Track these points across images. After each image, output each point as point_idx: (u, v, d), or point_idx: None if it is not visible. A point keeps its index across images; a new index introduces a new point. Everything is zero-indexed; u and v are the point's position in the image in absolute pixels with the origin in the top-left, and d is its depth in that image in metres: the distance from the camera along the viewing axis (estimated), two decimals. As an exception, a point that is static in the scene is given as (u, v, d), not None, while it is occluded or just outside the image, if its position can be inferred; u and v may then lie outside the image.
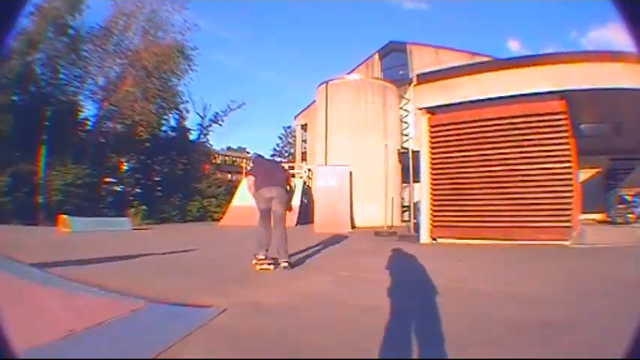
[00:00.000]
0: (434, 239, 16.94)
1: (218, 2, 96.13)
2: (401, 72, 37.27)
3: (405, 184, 31.50)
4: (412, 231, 19.73)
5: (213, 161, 56.16)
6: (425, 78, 17.88)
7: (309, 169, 37.02)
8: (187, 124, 48.27)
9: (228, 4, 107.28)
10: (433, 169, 17.08)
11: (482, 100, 16.27)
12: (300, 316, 5.77)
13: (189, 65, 44.24)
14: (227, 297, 6.75)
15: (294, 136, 57.28)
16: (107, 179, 38.37)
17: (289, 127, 71.05)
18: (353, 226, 26.31)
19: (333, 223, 24.51)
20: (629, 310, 3.16)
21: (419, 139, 17.71)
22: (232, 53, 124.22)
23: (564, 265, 10.96)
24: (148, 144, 41.25)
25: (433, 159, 17.11)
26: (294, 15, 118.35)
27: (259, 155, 15.84)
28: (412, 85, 17.93)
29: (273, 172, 10.83)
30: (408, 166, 29.11)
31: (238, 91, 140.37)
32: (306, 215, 30.81)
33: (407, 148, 32.43)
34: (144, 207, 35.90)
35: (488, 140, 16.00)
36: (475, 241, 15.78)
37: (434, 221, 16.93)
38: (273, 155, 74.15)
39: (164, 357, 4.03)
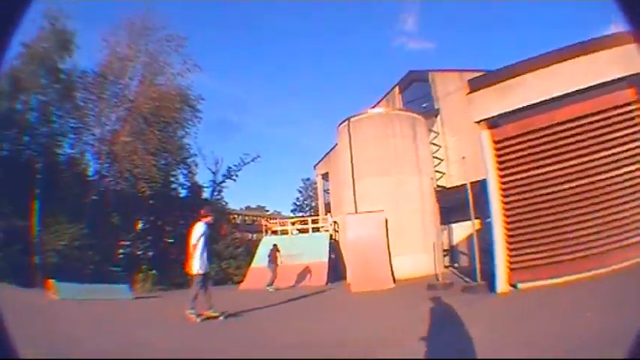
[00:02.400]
0: (513, 285, 13.26)
1: (227, 61, 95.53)
2: (424, 104, 34.25)
3: (444, 226, 28.27)
4: (479, 279, 15.76)
5: (233, 220, 53.58)
6: (479, 83, 14.76)
7: (335, 222, 34.35)
8: (198, 180, 45.55)
9: (236, 62, 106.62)
10: (505, 195, 13.65)
11: (550, 100, 12.85)
12: None
13: (194, 115, 41.60)
14: None
15: (315, 188, 54.21)
16: (109, 240, 34.23)
17: (308, 179, 68.82)
18: (394, 279, 22.63)
19: (370, 278, 21.56)
20: None
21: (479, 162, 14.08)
22: (244, 111, 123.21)
23: None
24: (152, 201, 38.06)
25: (504, 183, 13.71)
26: (298, 68, 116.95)
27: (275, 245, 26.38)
28: (466, 93, 15.14)
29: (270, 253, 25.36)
30: (447, 207, 26.09)
31: (252, 149, 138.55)
32: (335, 271, 28.23)
33: (442, 186, 29.31)
34: (153, 271, 32.35)
35: (567, 149, 12.82)
36: (565, 278, 12.16)
37: (512, 262, 13.27)
38: (293, 210, 72.96)
39: None
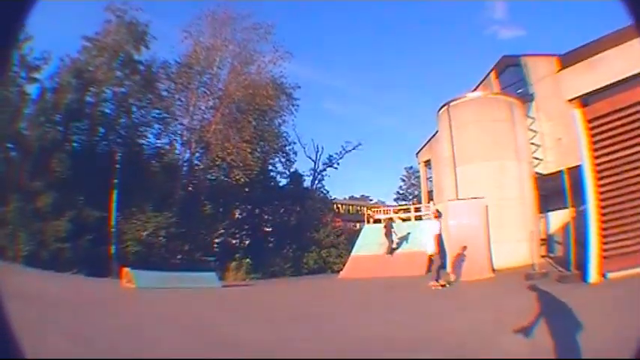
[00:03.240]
0: (603, 275, 12.58)
1: (322, 52, 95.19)
2: (519, 90, 33.06)
3: (541, 215, 27.26)
4: (573, 269, 15.14)
5: (337, 210, 53.58)
6: (568, 60, 14.23)
7: (437, 210, 32.81)
8: (298, 169, 45.84)
9: (332, 54, 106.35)
10: (600, 177, 12.99)
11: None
12: None
13: (291, 103, 42.23)
14: None
15: (418, 177, 53.59)
16: (200, 229, 34.22)
17: (411, 167, 67.46)
18: (493, 269, 22.02)
19: (470, 267, 20.78)
20: None
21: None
22: (342, 101, 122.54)
23: None
24: (247, 189, 38.19)
25: (599, 164, 13.03)
26: (394, 59, 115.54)
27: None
28: (556, 70, 14.79)
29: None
30: (544, 194, 25.24)
31: (353, 139, 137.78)
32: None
33: (539, 173, 28.23)
34: (247, 260, 32.29)
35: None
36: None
37: (604, 250, 12.65)
38: (396, 199, 71.25)
39: None
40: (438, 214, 19.98)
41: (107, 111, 31.98)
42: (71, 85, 28.86)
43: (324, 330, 10.09)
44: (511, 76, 34.59)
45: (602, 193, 12.81)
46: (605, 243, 12.57)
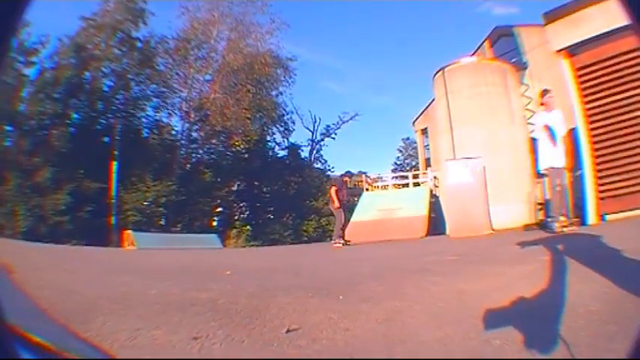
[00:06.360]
0: (602, 217, 13.08)
1: (323, 32, 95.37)
2: (513, 59, 33.50)
3: (538, 180, 27.67)
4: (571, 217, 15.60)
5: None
6: (553, 15, 14.77)
7: (435, 177, 33.22)
8: (295, 140, 47.29)
9: (333, 34, 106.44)
10: (592, 122, 13.48)
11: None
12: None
13: (288, 74, 43.12)
14: None
15: (415, 148, 53.06)
16: (201, 197, 34.81)
17: (408, 138, 68.26)
18: (491, 227, 22.08)
19: (468, 225, 20.65)
20: None
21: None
22: (339, 79, 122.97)
23: None
24: (247, 155, 39.34)
25: (589, 109, 13.56)
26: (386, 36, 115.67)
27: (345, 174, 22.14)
28: (544, 24, 15.14)
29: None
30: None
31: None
32: (435, 226, 27.13)
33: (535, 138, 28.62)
34: (247, 227, 32.82)
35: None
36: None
37: (600, 192, 13.21)
38: (394, 170, 67.84)
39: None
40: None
41: (105, 88, 32.86)
42: (70, 62, 29.53)
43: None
44: (504, 46, 34.94)
45: (594, 136, 13.33)
46: (601, 185, 13.10)
